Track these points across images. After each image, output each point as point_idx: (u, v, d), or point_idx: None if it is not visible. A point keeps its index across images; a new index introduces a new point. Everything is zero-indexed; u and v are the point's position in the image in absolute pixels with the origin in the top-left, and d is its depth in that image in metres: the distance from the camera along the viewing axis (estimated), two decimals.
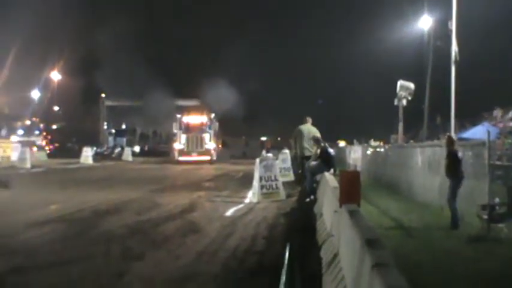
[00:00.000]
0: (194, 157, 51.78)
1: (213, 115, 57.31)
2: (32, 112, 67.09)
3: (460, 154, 14.19)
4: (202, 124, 54.69)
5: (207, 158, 52.21)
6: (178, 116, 55.79)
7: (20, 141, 53.32)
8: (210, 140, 53.94)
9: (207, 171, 39.80)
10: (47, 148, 62.81)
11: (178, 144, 53.43)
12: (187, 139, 52.97)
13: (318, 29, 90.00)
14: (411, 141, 37.82)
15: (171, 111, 64.62)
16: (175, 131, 55.32)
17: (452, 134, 25.62)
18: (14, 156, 45.54)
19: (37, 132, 63.79)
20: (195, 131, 53.71)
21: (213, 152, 53.97)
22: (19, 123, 64.01)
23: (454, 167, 13.93)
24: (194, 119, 55.51)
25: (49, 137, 67.01)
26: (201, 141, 52.98)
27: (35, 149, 55.75)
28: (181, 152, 52.57)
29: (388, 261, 5.32)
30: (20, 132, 62.11)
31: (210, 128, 55.01)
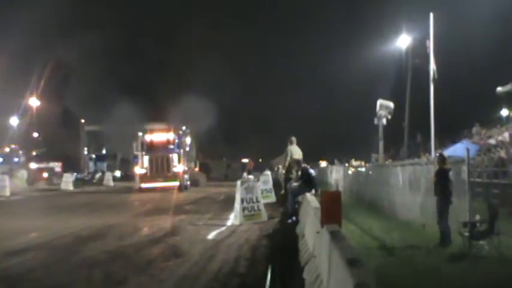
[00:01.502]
0: (160, 183, 42.43)
1: (182, 131, 48.02)
2: (10, 139, 66.69)
3: (451, 173, 14.24)
4: (168, 142, 44.98)
5: (176, 183, 42.47)
6: (140, 133, 46.36)
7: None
8: (179, 162, 44.33)
9: (188, 194, 39.53)
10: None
11: (140, 169, 44.15)
12: (151, 161, 43.45)
13: (296, 48, 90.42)
14: (389, 160, 37.93)
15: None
16: (136, 152, 46.08)
17: (432, 152, 25.84)
18: None
19: (16, 159, 63.37)
20: (160, 151, 44.14)
21: (183, 176, 44.43)
22: None
23: (442, 185, 13.97)
24: (158, 136, 45.77)
25: (29, 163, 66.56)
26: (168, 163, 43.46)
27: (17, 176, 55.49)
28: (144, 178, 43.13)
29: (370, 281, 5.34)
30: None
31: (178, 147, 45.16)
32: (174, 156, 44.07)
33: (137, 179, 44.53)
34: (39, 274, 11.66)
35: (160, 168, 43.34)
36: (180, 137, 46.30)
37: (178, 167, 44.02)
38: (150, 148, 44.37)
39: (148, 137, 45.25)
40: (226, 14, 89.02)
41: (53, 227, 19.84)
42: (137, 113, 61.47)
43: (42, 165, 61.80)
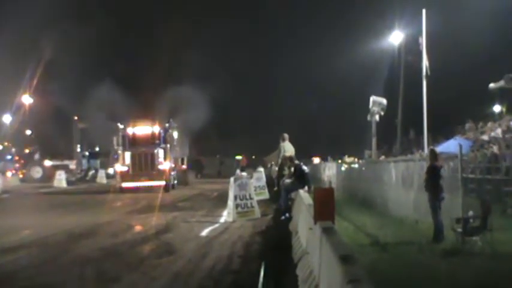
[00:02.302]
0: (143, 182, 38.15)
1: (168, 123, 43.04)
2: (3, 136, 66.55)
3: (442, 169, 14.22)
4: (153, 136, 40.40)
5: (161, 182, 38.24)
6: (121, 126, 41.05)
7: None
8: (165, 158, 40.08)
9: (182, 191, 39.52)
10: (19, 173, 62.47)
11: (121, 166, 39.78)
12: (133, 158, 39.07)
13: (289, 45, 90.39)
14: (383, 156, 37.93)
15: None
16: (116, 147, 41.64)
17: (425, 148, 25.87)
18: None
19: (9, 157, 63.29)
20: (143, 146, 39.62)
21: (169, 174, 40.14)
22: None
23: (433, 181, 13.96)
24: (142, 129, 40.73)
25: (22, 161, 66.41)
26: (152, 160, 39.09)
27: (9, 174, 55.45)
28: (125, 176, 38.73)
29: (363, 277, 5.33)
30: None
31: (164, 142, 40.69)
32: (160, 152, 39.80)
33: (118, 177, 40.39)
34: (32, 272, 11.64)
35: (144, 165, 38.95)
36: (166, 130, 41.75)
37: (164, 164, 39.69)
38: (132, 143, 39.89)
39: (130, 130, 40.40)
40: (219, 6, 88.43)
41: (46, 225, 19.79)
42: (123, 107, 52.35)
43: (56, 163, 62.15)
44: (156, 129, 40.71)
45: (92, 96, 52.48)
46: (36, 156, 63.60)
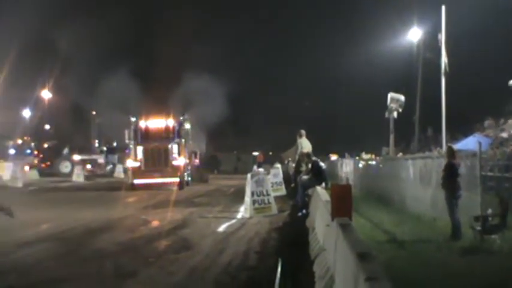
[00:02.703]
0: (156, 179, 36.37)
1: (183, 117, 40.41)
2: (23, 131, 66.99)
3: (458, 166, 14.12)
4: (167, 130, 38.51)
5: (175, 179, 36.48)
6: (133, 119, 38.53)
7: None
8: (179, 154, 37.85)
9: (198, 187, 39.28)
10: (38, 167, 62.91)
11: (133, 162, 37.59)
12: (146, 153, 36.89)
13: (307, 40, 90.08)
14: (400, 153, 37.77)
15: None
16: (127, 141, 39.22)
17: (443, 145, 25.73)
18: (6, 175, 45.32)
19: (28, 151, 63.75)
20: (156, 140, 37.56)
21: (183, 170, 38.06)
22: (10, 143, 63.95)
23: (450, 178, 13.86)
24: (155, 123, 38.71)
25: (41, 155, 66.80)
26: (166, 155, 36.97)
27: (27, 168, 55.74)
28: (137, 172, 36.66)
29: (380, 274, 5.30)
30: (12, 151, 62.12)
31: (179, 136, 38.50)
32: (174, 147, 37.54)
33: (129, 173, 38.26)
34: (49, 265, 11.71)
35: (157, 161, 36.82)
36: (180, 124, 39.37)
37: (179, 160, 37.43)
38: (144, 137, 37.82)
39: (142, 124, 38.30)
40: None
41: (64, 219, 19.89)
42: (139, 101, 50.63)
43: (85, 157, 62.73)
44: (170, 122, 38.70)
45: (107, 89, 50.08)
46: (65, 151, 64.31)
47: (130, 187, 35.86)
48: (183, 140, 38.92)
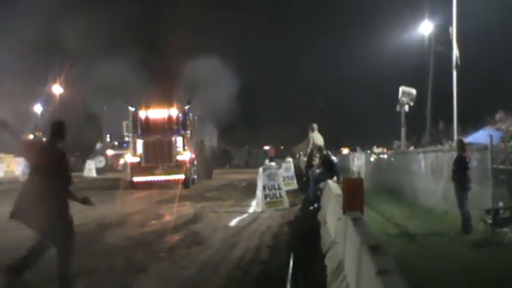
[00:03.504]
0: (158, 176, 32.42)
1: (187, 107, 35.09)
2: (34, 126, 67.23)
3: (468, 159, 14.09)
4: (170, 121, 34.00)
5: (179, 176, 32.23)
6: (132, 109, 34.14)
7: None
8: (184, 148, 33.69)
9: (209, 182, 39.29)
10: None
11: (132, 157, 33.34)
12: (146, 147, 32.81)
13: (318, 35, 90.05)
14: (412, 147, 37.71)
15: None
16: (125, 133, 35.88)
17: (455, 139, 25.67)
18: (18, 170, 45.53)
19: None
20: (158, 132, 33.21)
21: (189, 166, 33.60)
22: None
23: (460, 171, 13.85)
24: (157, 113, 34.09)
25: None
26: (169, 149, 32.83)
27: None
28: (137, 169, 32.46)
29: (392, 268, 5.32)
30: None
31: (183, 128, 34.18)
32: (178, 140, 33.42)
33: (128, 170, 33.66)
34: None
35: (159, 156, 32.71)
36: (185, 114, 34.76)
37: (184, 155, 33.20)
38: (145, 129, 33.55)
39: (143, 114, 33.87)
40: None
41: (75, 214, 19.88)
42: (144, 92, 44.67)
43: (119, 152, 63.18)
44: (174, 112, 34.16)
45: (108, 79, 47.02)
46: (98, 146, 64.87)
47: (129, 185, 32.43)
48: (188, 132, 35.04)
